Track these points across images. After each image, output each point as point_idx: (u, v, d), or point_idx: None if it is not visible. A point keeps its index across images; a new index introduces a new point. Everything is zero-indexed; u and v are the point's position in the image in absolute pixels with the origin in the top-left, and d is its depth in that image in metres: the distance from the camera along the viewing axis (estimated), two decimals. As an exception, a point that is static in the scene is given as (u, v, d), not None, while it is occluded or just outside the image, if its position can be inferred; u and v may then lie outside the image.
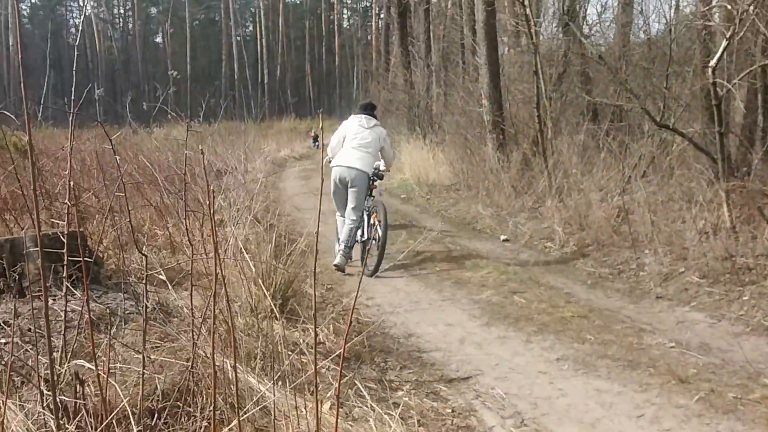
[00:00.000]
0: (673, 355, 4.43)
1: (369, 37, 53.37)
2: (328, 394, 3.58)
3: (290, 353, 3.84)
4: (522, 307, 5.59)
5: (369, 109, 7.35)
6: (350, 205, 6.98)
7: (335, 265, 6.79)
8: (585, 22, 12.26)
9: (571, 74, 11.12)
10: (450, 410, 3.74)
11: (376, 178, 7.28)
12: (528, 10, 9.94)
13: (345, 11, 65.74)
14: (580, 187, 8.32)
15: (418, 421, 3.55)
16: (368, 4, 59.37)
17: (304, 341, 4.34)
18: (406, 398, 3.83)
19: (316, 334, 2.62)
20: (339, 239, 7.08)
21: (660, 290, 5.92)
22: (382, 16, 38.51)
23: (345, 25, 64.54)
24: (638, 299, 5.83)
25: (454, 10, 18.91)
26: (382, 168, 7.46)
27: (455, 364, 4.43)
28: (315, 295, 2.70)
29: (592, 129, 10.12)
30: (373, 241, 6.94)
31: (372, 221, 7.05)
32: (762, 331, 4.82)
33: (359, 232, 7.02)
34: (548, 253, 7.54)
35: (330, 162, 7.16)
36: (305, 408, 3.04)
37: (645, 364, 4.26)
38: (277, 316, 4.49)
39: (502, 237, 8.39)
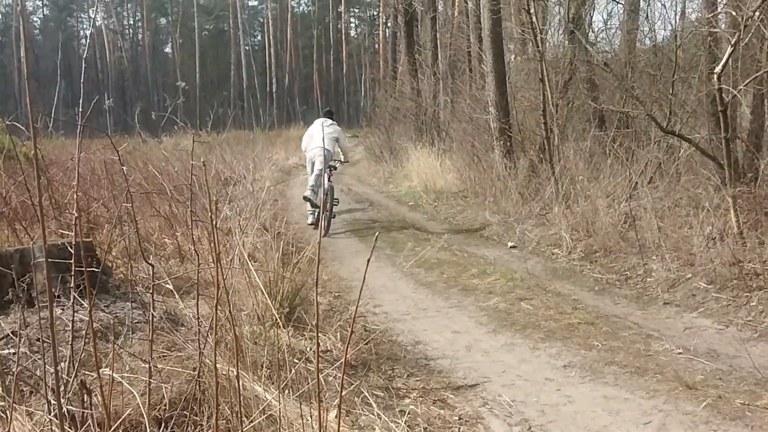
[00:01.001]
0: (681, 362, 4.42)
1: (376, 46, 53.49)
2: (334, 402, 3.58)
3: (296, 361, 3.85)
4: (529, 314, 5.59)
5: (328, 114, 10.87)
6: (317, 167, 9.98)
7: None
8: (591, 30, 12.25)
9: (577, 81, 11.11)
10: (457, 418, 3.75)
11: (333, 168, 10.16)
12: (534, 18, 9.96)
13: (352, 20, 66.03)
14: (587, 193, 8.31)
15: (425, 429, 3.55)
16: (375, 13, 59.50)
17: (310, 349, 4.35)
18: (413, 406, 3.83)
19: (319, 342, 2.63)
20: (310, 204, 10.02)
21: (667, 296, 5.91)
22: (389, 24, 38.59)
23: (352, 34, 64.80)
24: (646, 305, 5.82)
25: (460, 18, 18.98)
26: (342, 160, 10.65)
27: (462, 371, 4.43)
28: (317, 302, 2.72)
29: (598, 135, 10.10)
30: (326, 213, 9.44)
31: (326, 197, 9.54)
32: (770, 336, 4.82)
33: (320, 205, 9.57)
34: (555, 260, 7.53)
35: (305, 151, 10.47)
36: (311, 416, 3.05)
37: (652, 371, 4.26)
38: (284, 324, 4.51)
39: (510, 244, 8.39)
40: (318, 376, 2.63)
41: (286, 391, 3.43)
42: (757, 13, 6.50)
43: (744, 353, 4.41)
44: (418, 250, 7.98)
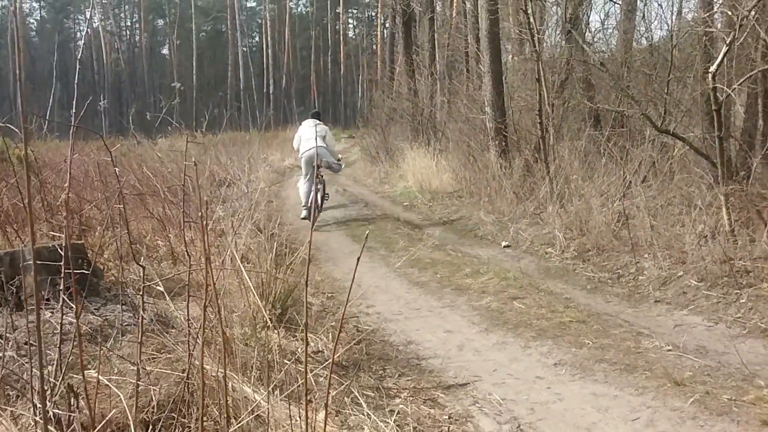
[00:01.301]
0: (670, 359, 4.44)
1: (374, 47, 53.45)
2: (324, 403, 3.59)
3: (287, 362, 3.87)
4: (521, 313, 5.60)
5: (315, 115, 11.31)
6: (330, 165, 10.64)
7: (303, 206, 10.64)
8: (588, 29, 12.27)
9: (573, 81, 11.14)
10: (447, 417, 3.76)
11: (329, 167, 10.76)
12: (531, 18, 9.97)
13: (351, 21, 66.05)
14: (581, 192, 8.32)
15: (415, 428, 3.56)
16: (374, 14, 59.53)
17: (301, 350, 4.35)
18: (404, 405, 3.83)
19: (308, 342, 2.64)
20: (303, 200, 10.60)
21: (659, 294, 5.93)
22: (387, 25, 38.62)
23: (350, 35, 64.79)
24: (637, 303, 5.84)
25: (458, 19, 18.99)
26: (335, 161, 11.03)
27: (453, 370, 4.44)
28: (306, 302, 2.73)
29: (593, 135, 10.12)
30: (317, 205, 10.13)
31: (318, 192, 10.26)
32: (758, 333, 4.84)
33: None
34: (549, 259, 7.54)
35: (299, 152, 10.86)
36: (299, 417, 3.06)
37: (642, 368, 4.28)
38: (274, 325, 4.52)
39: (504, 243, 8.40)
40: (306, 376, 2.65)
41: (276, 392, 3.44)
42: (752, 13, 6.52)
43: (732, 350, 4.43)
44: (412, 250, 7.99)
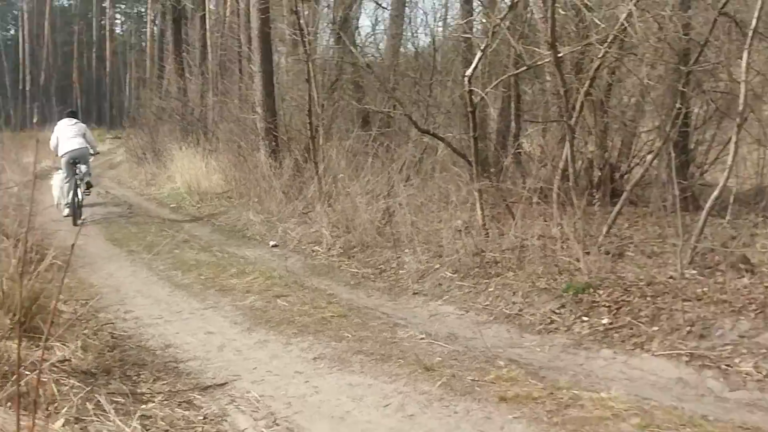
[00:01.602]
0: (423, 346, 4.63)
1: (143, 44, 51.30)
2: (63, 411, 3.35)
3: (27, 373, 3.55)
4: (284, 311, 5.58)
5: (72, 114, 11.26)
6: (82, 169, 10.38)
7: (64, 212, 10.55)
8: (358, 33, 12.61)
9: (343, 82, 11.37)
10: (202, 417, 3.65)
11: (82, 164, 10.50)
12: (302, 19, 10.03)
13: (118, 17, 62.76)
14: (348, 191, 8.48)
15: (166, 431, 3.41)
16: (143, 10, 57.06)
17: (44, 359, 4.03)
18: (157, 410, 3.66)
19: (20, 343, 2.42)
20: (64, 197, 10.53)
21: (417, 286, 6.19)
22: (157, 22, 37.15)
23: (118, 31, 61.60)
24: (397, 296, 6.06)
25: (232, 18, 18.71)
26: (93, 152, 11.09)
27: (212, 371, 4.32)
28: (20, 298, 2.50)
29: (361, 135, 10.38)
30: (78, 200, 10.25)
31: (80, 188, 10.32)
32: (503, 319, 5.21)
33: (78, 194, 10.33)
34: (315, 257, 7.62)
35: (57, 152, 10.68)
36: (32, 426, 2.82)
37: (396, 356, 4.42)
38: (15, 335, 4.16)
39: (272, 243, 8.38)
40: (18, 379, 2.44)
41: (9, 403, 3.15)
42: (506, 22, 6.97)
43: (479, 335, 4.71)
44: (177, 253, 7.73)
